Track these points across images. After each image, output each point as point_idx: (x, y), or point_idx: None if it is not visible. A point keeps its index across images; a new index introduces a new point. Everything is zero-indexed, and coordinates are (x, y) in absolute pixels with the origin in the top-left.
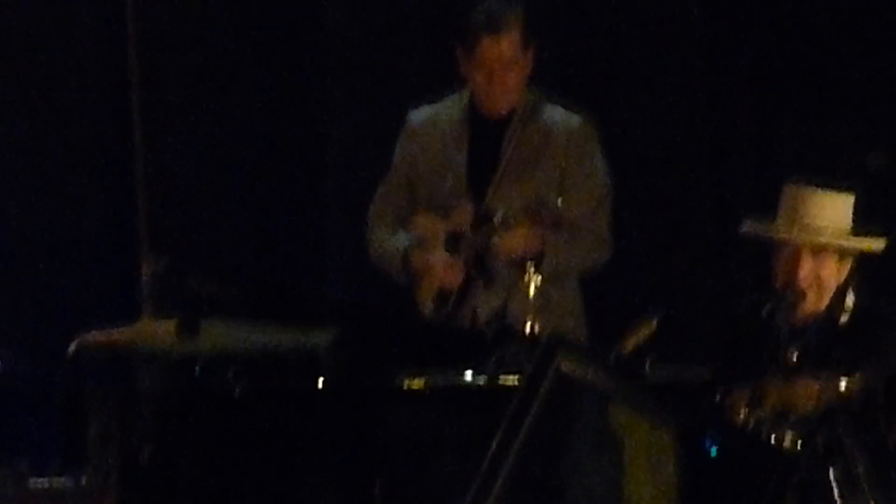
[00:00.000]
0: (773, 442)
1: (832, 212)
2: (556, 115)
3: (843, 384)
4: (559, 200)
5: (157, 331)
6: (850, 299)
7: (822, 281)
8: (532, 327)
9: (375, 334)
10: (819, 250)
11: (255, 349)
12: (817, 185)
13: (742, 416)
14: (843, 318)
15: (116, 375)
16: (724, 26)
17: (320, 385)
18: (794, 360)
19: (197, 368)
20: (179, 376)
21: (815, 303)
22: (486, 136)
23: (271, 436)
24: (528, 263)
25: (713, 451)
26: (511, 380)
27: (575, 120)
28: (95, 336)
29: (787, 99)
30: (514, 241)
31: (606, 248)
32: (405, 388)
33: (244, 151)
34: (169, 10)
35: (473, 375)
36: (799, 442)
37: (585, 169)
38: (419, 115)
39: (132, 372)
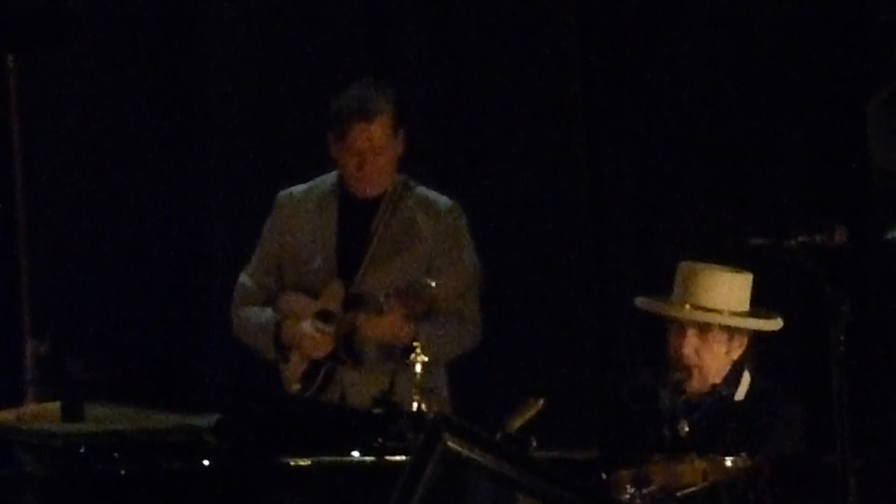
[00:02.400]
0: None
1: (725, 291)
2: (426, 196)
3: (728, 463)
4: (433, 283)
5: (41, 413)
6: (746, 378)
7: (708, 359)
8: (419, 406)
9: (260, 415)
10: (705, 328)
11: (139, 431)
12: (712, 264)
13: (628, 495)
14: (739, 396)
15: (0, 460)
16: (606, 102)
17: (206, 465)
18: (685, 433)
19: (81, 450)
20: (64, 459)
21: (701, 380)
22: (355, 217)
23: None
24: (415, 344)
25: None
26: (398, 458)
27: (443, 202)
28: None
29: (670, 178)
30: (384, 324)
31: (477, 332)
32: (292, 466)
33: (127, 234)
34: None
35: (360, 454)
36: None
37: (455, 251)
38: (288, 196)
39: (16, 456)
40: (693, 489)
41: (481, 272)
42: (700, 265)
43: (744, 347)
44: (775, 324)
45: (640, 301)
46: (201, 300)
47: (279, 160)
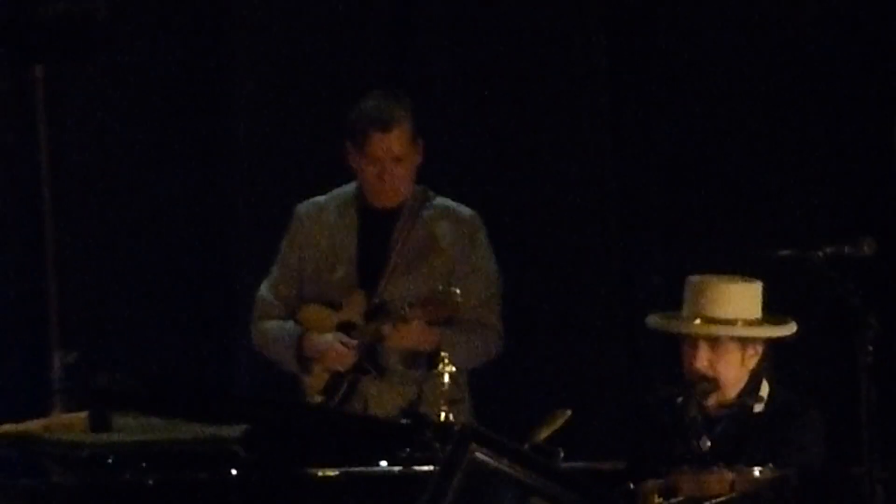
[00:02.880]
0: None
1: (735, 301)
2: (446, 206)
3: (756, 474)
4: (457, 290)
5: (68, 424)
6: (764, 388)
7: (723, 371)
8: (446, 417)
9: (288, 426)
10: (716, 340)
11: (166, 441)
12: (721, 276)
13: None
14: (758, 408)
15: (27, 470)
16: (633, 111)
17: (233, 476)
18: (706, 448)
19: (109, 461)
20: (91, 469)
21: (723, 393)
22: (376, 227)
23: None
24: (443, 354)
25: None
26: (426, 469)
27: (464, 211)
28: (6, 428)
29: (694, 194)
30: (409, 333)
31: (499, 340)
32: (319, 477)
33: (155, 247)
34: (79, 102)
35: (388, 464)
36: None
37: (473, 261)
38: (307, 208)
39: (43, 466)
40: (720, 500)
41: (501, 281)
42: (708, 277)
43: (759, 356)
44: (788, 329)
45: (651, 320)
46: (229, 311)
47: (308, 167)
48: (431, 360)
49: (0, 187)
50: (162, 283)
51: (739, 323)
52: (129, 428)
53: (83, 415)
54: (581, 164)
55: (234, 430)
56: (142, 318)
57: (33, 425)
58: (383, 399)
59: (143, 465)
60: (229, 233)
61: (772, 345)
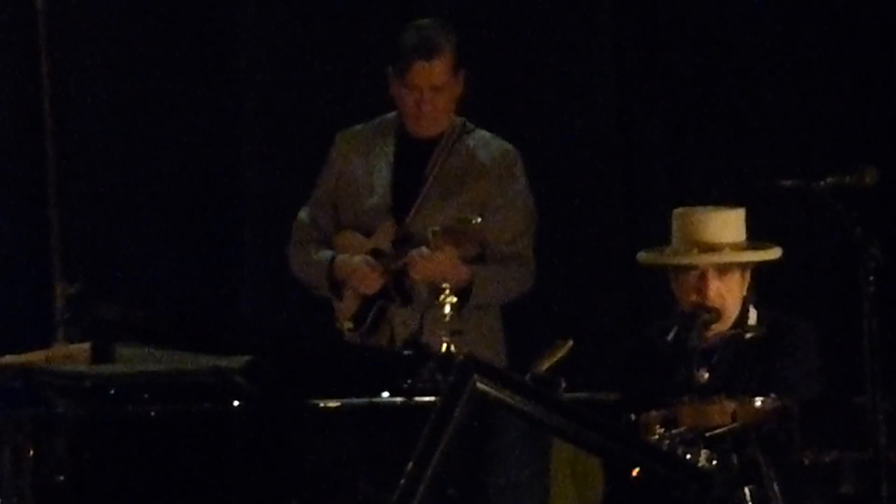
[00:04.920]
0: (688, 461)
1: (726, 228)
2: (483, 139)
3: (757, 403)
4: (478, 219)
5: (71, 355)
6: (752, 315)
7: (729, 299)
8: (448, 347)
9: (290, 357)
10: (724, 269)
11: (169, 373)
12: (705, 206)
13: (657, 435)
14: (749, 334)
15: (30, 401)
16: (637, 55)
17: (235, 407)
18: (704, 379)
19: (111, 392)
20: (93, 401)
21: (722, 322)
22: (412, 157)
23: (187, 459)
24: (444, 284)
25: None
26: (428, 400)
27: (501, 145)
28: (9, 360)
29: (697, 127)
30: (434, 264)
31: (531, 275)
32: (320, 408)
33: (158, 176)
34: (82, 34)
35: (390, 395)
36: (714, 461)
37: (510, 194)
38: (347, 136)
39: (46, 397)
40: (722, 430)
41: (536, 215)
42: (694, 208)
43: (747, 282)
44: (776, 252)
45: (642, 256)
46: (233, 242)
47: (311, 103)
48: (461, 294)
49: (1, 120)
50: (165, 214)
51: (730, 248)
52: (132, 359)
53: (86, 346)
54: (583, 100)
55: (237, 362)
56: (145, 250)
57: (36, 356)
58: (410, 328)
59: (146, 396)
60: (234, 164)
61: (756, 272)
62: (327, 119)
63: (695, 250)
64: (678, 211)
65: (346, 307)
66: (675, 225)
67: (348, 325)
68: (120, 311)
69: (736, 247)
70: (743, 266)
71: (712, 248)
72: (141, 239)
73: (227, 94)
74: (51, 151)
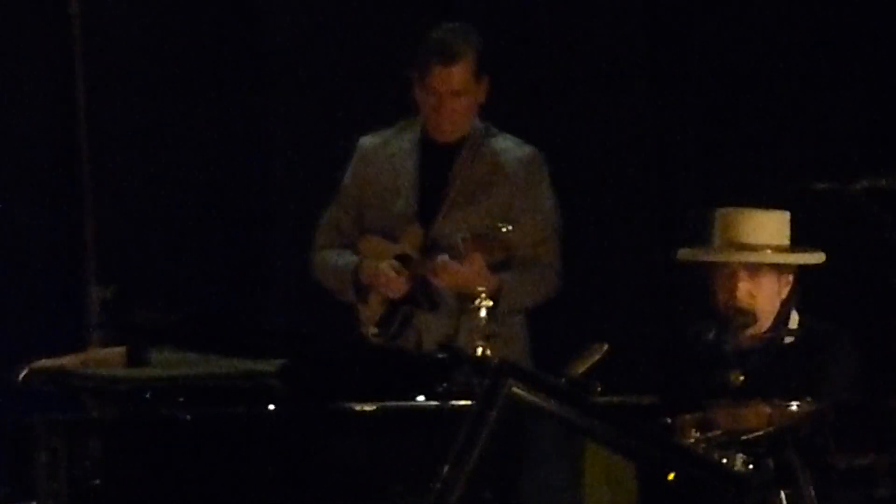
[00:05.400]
0: (723, 465)
1: (766, 229)
2: (507, 144)
3: (793, 407)
4: (508, 227)
5: (106, 359)
6: (794, 319)
7: (762, 301)
8: (483, 352)
9: (324, 361)
10: (755, 269)
11: (203, 376)
12: (749, 207)
13: (692, 439)
14: (788, 339)
15: (65, 404)
16: (669, 54)
17: (269, 411)
18: (739, 382)
19: (146, 396)
20: (128, 404)
21: (758, 324)
22: (436, 162)
23: (222, 463)
24: (480, 289)
25: (671, 476)
26: (462, 403)
27: (525, 149)
28: (44, 364)
29: (732, 128)
30: (462, 272)
31: (558, 280)
32: (355, 412)
33: (191, 182)
34: (116, 38)
35: (425, 399)
36: (749, 465)
37: (535, 199)
38: (371, 140)
39: (81, 400)
40: (757, 434)
41: (560, 219)
42: (737, 208)
43: (790, 286)
44: (818, 257)
45: (683, 252)
46: (266, 246)
47: (343, 97)
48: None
49: (36, 120)
50: (199, 217)
51: (770, 251)
52: (167, 363)
53: (120, 350)
54: (617, 98)
55: (271, 365)
56: (179, 253)
57: (71, 360)
58: (437, 333)
59: (180, 399)
60: (267, 167)
61: (801, 276)
62: (360, 120)
63: (730, 249)
64: (720, 210)
65: (371, 312)
66: (715, 224)
67: (373, 330)
68: (154, 315)
69: (775, 249)
70: (779, 269)
71: (747, 247)
72: (175, 242)
73: (259, 97)
74: (85, 154)
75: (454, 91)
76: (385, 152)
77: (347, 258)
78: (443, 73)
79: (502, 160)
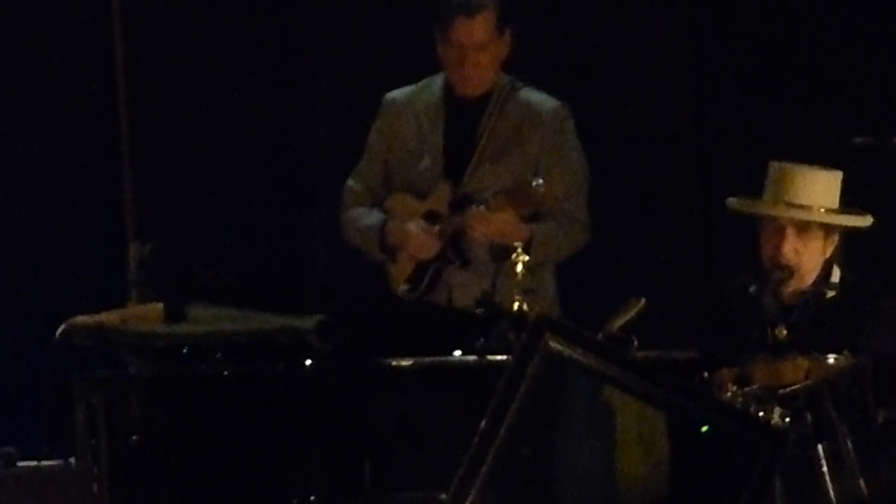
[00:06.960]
0: (761, 419)
1: (818, 189)
2: (533, 98)
3: (831, 361)
4: (540, 181)
5: (144, 315)
6: (835, 275)
7: (806, 258)
8: (520, 307)
9: (362, 317)
10: (803, 227)
11: (241, 333)
12: (803, 164)
13: (730, 393)
14: (830, 294)
15: (104, 360)
16: (710, 8)
17: (307, 366)
18: (783, 336)
19: (184, 352)
20: (167, 360)
21: (800, 280)
22: (462, 118)
23: (260, 418)
24: (516, 244)
25: (704, 428)
26: (500, 359)
27: (551, 103)
28: (83, 320)
29: (773, 80)
30: (494, 223)
31: (586, 232)
32: (393, 367)
33: (230, 138)
34: (154, 4)
35: (462, 354)
36: (787, 419)
37: (562, 152)
38: (395, 97)
39: (119, 357)
40: (795, 388)
41: (588, 173)
42: (792, 164)
43: (835, 245)
44: (867, 220)
45: (733, 202)
46: (306, 202)
47: (383, 60)
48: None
49: (76, 83)
50: (238, 173)
51: (822, 210)
52: (205, 319)
53: (159, 306)
54: (658, 54)
55: (309, 321)
56: (217, 210)
57: (109, 317)
58: (468, 289)
59: (218, 355)
60: (307, 125)
61: (846, 235)
62: (400, 75)
63: (781, 204)
64: (774, 164)
65: (401, 270)
66: (767, 177)
67: (403, 288)
68: (193, 271)
69: (825, 209)
70: (827, 228)
71: (798, 205)
72: (214, 198)
73: (299, 55)
74: (123, 113)
75: (476, 44)
76: (410, 109)
77: (375, 217)
78: (465, 26)
79: (529, 114)
